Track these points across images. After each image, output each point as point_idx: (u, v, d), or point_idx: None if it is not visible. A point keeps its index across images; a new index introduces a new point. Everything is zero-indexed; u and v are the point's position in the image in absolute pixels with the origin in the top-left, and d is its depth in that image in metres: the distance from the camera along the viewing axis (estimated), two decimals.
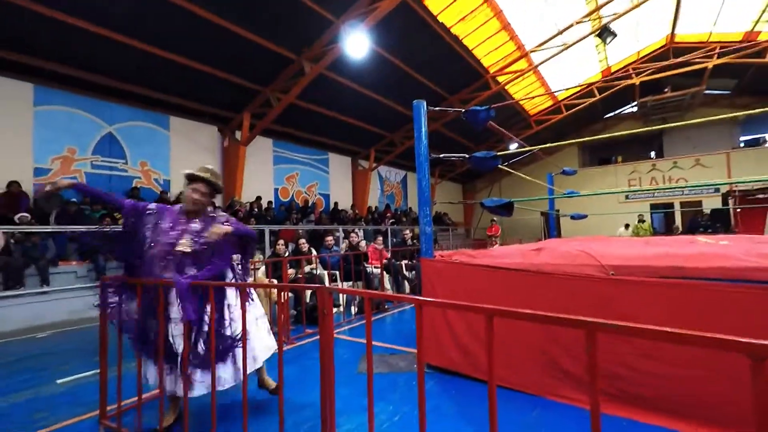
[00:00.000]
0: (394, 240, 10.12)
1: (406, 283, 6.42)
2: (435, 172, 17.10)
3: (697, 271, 2.18)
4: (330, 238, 6.40)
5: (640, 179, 16.24)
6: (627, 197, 15.89)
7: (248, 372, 1.94)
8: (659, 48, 13.04)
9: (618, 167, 16.93)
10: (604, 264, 2.41)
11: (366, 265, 6.32)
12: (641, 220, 12.12)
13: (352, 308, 5.17)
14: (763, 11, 10.10)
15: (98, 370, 2.22)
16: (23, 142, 6.54)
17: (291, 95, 8.40)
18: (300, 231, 8.98)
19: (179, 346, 1.95)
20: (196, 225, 2.12)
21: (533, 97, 11.03)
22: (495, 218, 12.70)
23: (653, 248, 3.20)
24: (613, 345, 2.19)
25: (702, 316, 2.01)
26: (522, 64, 11.11)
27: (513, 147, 13.59)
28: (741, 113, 2.81)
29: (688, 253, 2.50)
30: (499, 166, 3.78)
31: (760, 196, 11.41)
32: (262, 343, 2.21)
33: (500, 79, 11.28)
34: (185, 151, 8.85)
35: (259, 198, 9.78)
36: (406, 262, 6.86)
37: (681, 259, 2.32)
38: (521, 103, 13.82)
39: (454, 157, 3.14)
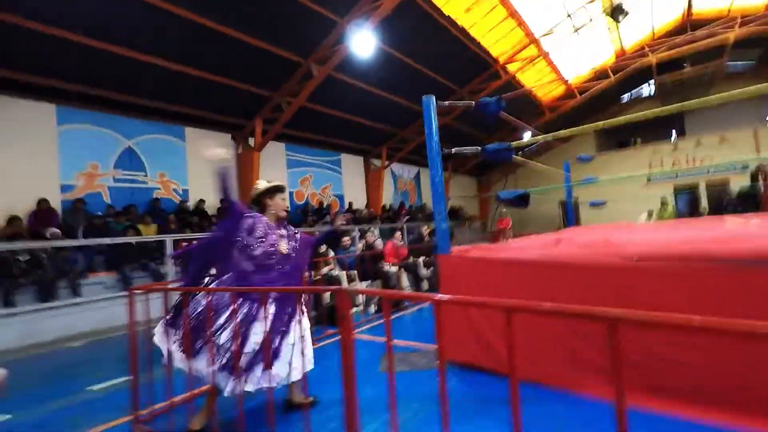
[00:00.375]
0: (410, 236, 10.09)
1: (425, 280, 6.41)
2: (448, 166, 16.95)
3: (729, 255, 2.09)
4: (346, 238, 6.44)
5: (662, 160, 15.67)
6: (649, 180, 15.36)
7: (291, 380, 2.14)
8: (676, 25, 12.55)
9: (638, 150, 16.38)
10: (626, 251, 2.34)
11: (384, 263, 6.34)
12: (664, 203, 11.70)
13: (371, 307, 5.19)
14: None
15: (130, 377, 2.29)
16: (49, 160, 6.82)
17: (300, 98, 8.48)
18: (317, 233, 9.09)
19: (255, 344, 2.03)
20: (282, 231, 2.38)
21: (545, 84, 10.80)
22: (504, 210, 12.40)
23: (679, 232, 3.10)
24: (639, 334, 2.13)
25: (732, 302, 1.93)
26: (531, 51, 10.89)
27: (527, 136, 13.32)
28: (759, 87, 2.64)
29: (717, 236, 2.41)
30: (514, 157, 3.73)
31: None
32: (305, 359, 2.19)
33: (510, 68, 11.09)
34: (201, 160, 9.04)
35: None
36: (424, 258, 6.84)
37: (710, 243, 2.23)
38: (533, 90, 13.54)
39: (466, 150, 3.10)
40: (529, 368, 2.48)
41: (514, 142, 3.23)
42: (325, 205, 11.85)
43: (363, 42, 7.23)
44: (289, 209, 9.90)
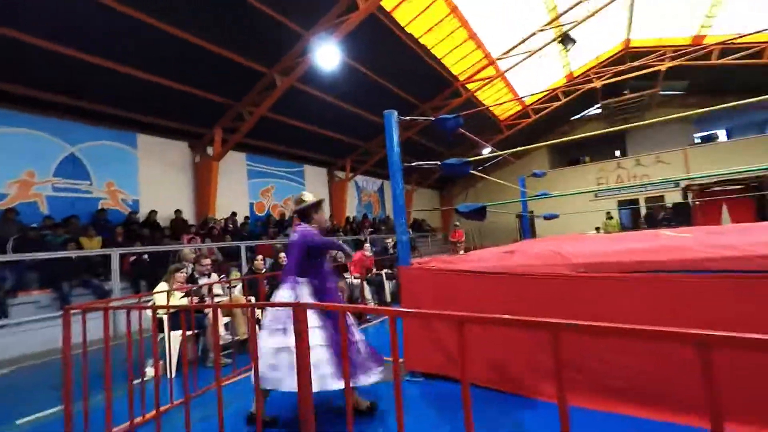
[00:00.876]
0: (374, 249, 10.10)
1: (389, 293, 6.42)
2: (411, 179, 17.28)
3: (660, 264, 2.28)
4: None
5: (607, 177, 16.94)
6: (596, 195, 16.51)
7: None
8: (617, 53, 13.74)
9: (586, 167, 17.62)
10: (574, 262, 2.48)
11: (347, 276, 6.28)
12: (609, 217, 12.60)
13: None
14: (708, 16, 10.83)
15: (62, 407, 2.09)
16: None
17: (263, 108, 8.34)
18: (278, 245, 8.86)
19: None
20: None
21: (502, 103, 11.38)
22: (458, 222, 12.67)
23: (619, 244, 3.34)
24: (584, 340, 2.26)
25: (664, 307, 2.11)
26: (490, 72, 11.46)
27: (486, 152, 13.91)
28: (694, 112, 2.99)
29: (651, 247, 2.62)
30: (472, 171, 3.87)
31: (716, 189, 12.12)
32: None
33: (470, 86, 11.59)
34: (154, 169, 8.59)
35: (234, 214, 9.58)
36: (387, 271, 6.86)
37: (644, 254, 2.42)
38: (491, 109, 14.21)
39: (426, 165, 3.19)
40: (491, 376, 2.54)
41: (473, 158, 3.37)
42: (287, 217, 11.61)
43: (327, 55, 7.28)
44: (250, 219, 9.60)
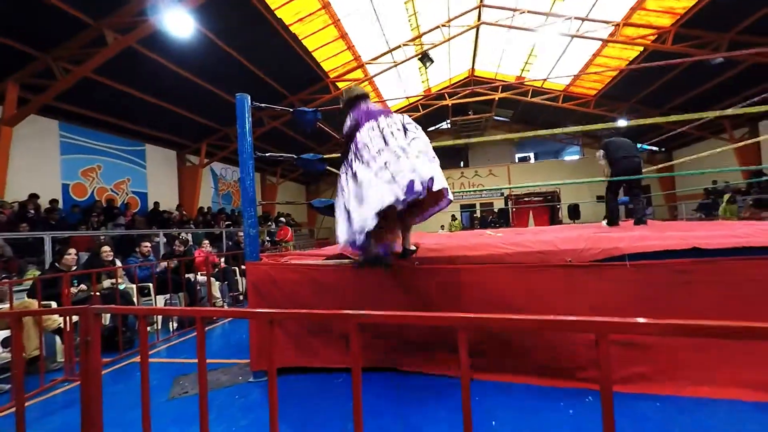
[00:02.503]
0: (230, 243, 9.31)
1: (243, 288, 5.99)
2: (277, 171, 16.59)
3: (477, 258, 2.74)
4: (146, 244, 5.40)
5: (453, 184, 19.56)
6: None
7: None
8: (465, 78, 16.02)
9: None
10: (413, 257, 2.77)
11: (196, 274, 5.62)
12: (454, 219, 14.64)
13: (171, 324, 4.49)
14: (526, 62, 13.60)
15: None
16: None
17: (86, 68, 6.72)
18: (102, 237, 7.31)
19: None
20: None
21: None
22: (283, 219, 12.69)
23: (454, 241, 3.88)
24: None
25: (481, 292, 2.54)
26: (359, 74, 11.86)
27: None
28: (512, 136, 3.68)
29: (473, 244, 3.12)
30: (332, 169, 3.92)
31: (526, 198, 15.34)
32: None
33: (340, 85, 11.76)
34: None
35: (34, 196, 7.45)
36: (244, 267, 6.39)
37: (466, 249, 2.87)
38: None
39: (280, 156, 3.08)
40: (343, 358, 2.61)
41: (328, 156, 3.41)
42: (119, 204, 9.67)
43: (177, 20, 6.33)
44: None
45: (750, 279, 2.22)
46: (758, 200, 8.54)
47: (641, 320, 0.66)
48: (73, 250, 4.28)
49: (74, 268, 4.17)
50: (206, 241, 6.16)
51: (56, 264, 4.16)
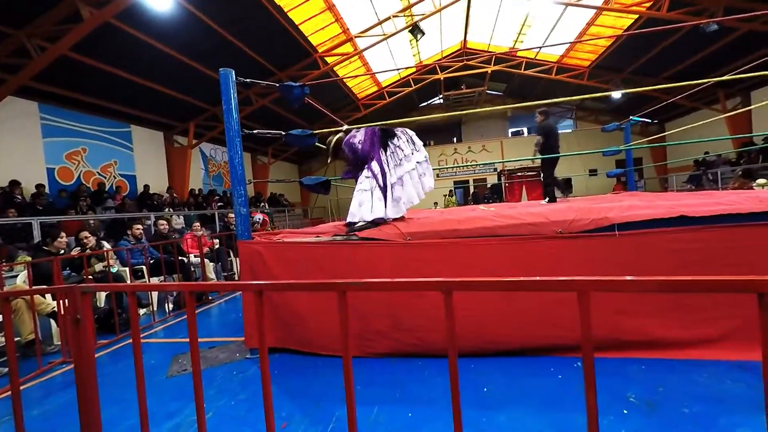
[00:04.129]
0: (221, 224, 9.27)
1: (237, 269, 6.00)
2: (268, 151, 16.35)
3: (467, 232, 2.75)
4: (138, 227, 5.35)
5: (446, 160, 19.48)
6: (438, 175, 18.86)
7: None
8: (457, 50, 15.63)
9: (430, 149, 19.84)
10: (404, 231, 2.77)
11: (188, 254, 5.61)
12: (451, 194, 14.65)
13: (167, 305, 4.51)
14: (519, 33, 13.28)
15: None
16: None
17: (63, 45, 6.44)
18: (92, 222, 7.24)
19: None
20: None
21: (360, 83, 11.62)
22: (256, 215, 12.44)
23: (446, 216, 3.89)
24: (411, 301, 2.58)
25: (473, 265, 2.57)
26: (348, 48, 11.52)
27: (344, 128, 14.12)
28: (506, 107, 3.63)
29: (464, 218, 3.13)
30: (320, 145, 3.86)
31: (519, 173, 15.33)
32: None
33: (328, 60, 11.44)
34: None
35: (15, 183, 7.26)
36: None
37: (457, 223, 2.88)
38: (351, 86, 14.43)
39: (269, 133, 3.01)
40: (329, 343, 2.66)
41: (324, 131, 3.36)
42: (107, 188, 9.51)
43: None
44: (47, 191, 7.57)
45: (734, 245, 2.27)
46: (747, 170, 8.62)
47: (620, 278, 0.66)
48: (64, 234, 4.23)
49: (63, 252, 4.13)
50: (197, 224, 6.11)
51: (45, 248, 4.12)
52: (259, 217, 6.85)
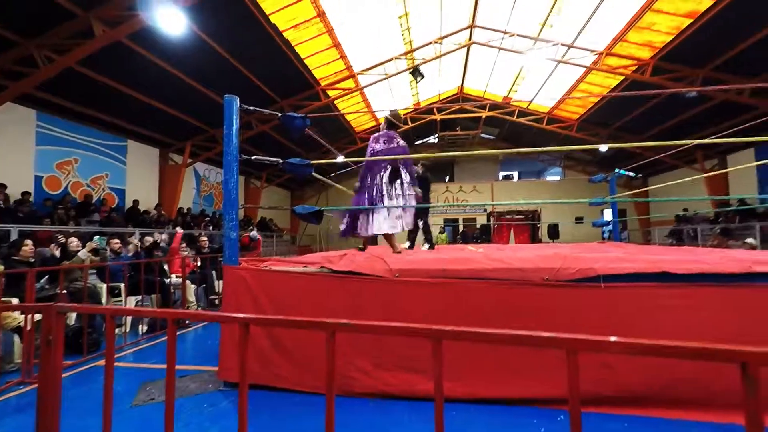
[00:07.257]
0: (212, 246, 9.08)
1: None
2: (262, 175, 16.42)
3: (456, 272, 2.76)
4: (116, 241, 5.22)
5: (437, 198, 19.75)
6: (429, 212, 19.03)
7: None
8: (454, 94, 16.32)
9: None
10: (393, 268, 2.76)
11: (170, 275, 5.45)
12: (441, 231, 14.74)
13: (141, 327, 4.32)
14: (514, 83, 13.99)
15: None
16: None
17: (70, 58, 6.56)
18: (73, 231, 7.04)
19: None
20: None
21: (358, 117, 11.96)
22: (253, 232, 12.31)
23: (435, 254, 3.91)
24: (397, 340, 2.53)
25: (459, 306, 2.55)
26: (350, 84, 11.95)
27: (340, 159, 14.35)
28: (499, 152, 3.77)
29: (453, 258, 3.15)
30: (318, 176, 3.91)
31: (508, 216, 15.60)
32: None
33: (330, 93, 11.81)
34: None
35: (2, 186, 7.14)
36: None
37: (446, 263, 2.88)
38: (349, 119, 14.82)
39: (266, 160, 3.05)
40: (309, 379, 2.56)
41: (318, 161, 3.41)
42: (95, 200, 9.36)
43: (169, 18, 6.26)
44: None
45: (711, 305, 2.31)
46: (725, 229, 8.94)
47: (608, 339, 0.67)
48: (29, 241, 4.08)
49: (32, 260, 3.99)
50: (183, 244, 6.00)
51: (12, 257, 3.96)
52: (255, 234, 7.24)
